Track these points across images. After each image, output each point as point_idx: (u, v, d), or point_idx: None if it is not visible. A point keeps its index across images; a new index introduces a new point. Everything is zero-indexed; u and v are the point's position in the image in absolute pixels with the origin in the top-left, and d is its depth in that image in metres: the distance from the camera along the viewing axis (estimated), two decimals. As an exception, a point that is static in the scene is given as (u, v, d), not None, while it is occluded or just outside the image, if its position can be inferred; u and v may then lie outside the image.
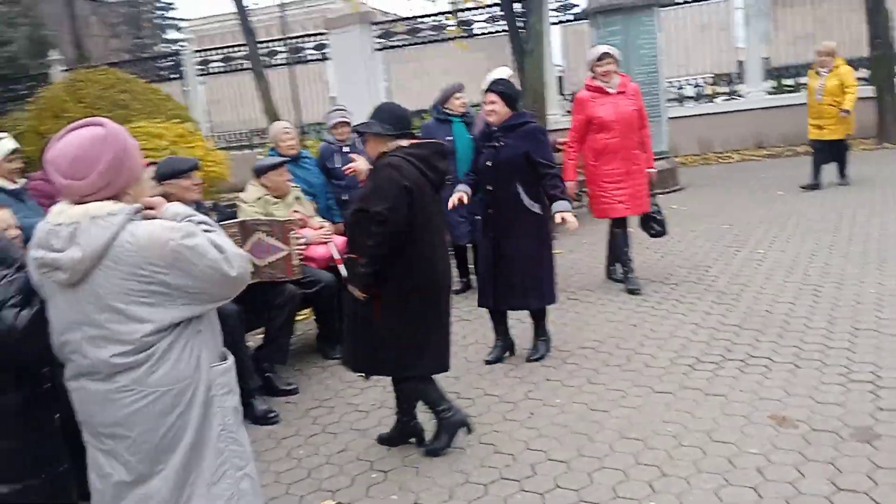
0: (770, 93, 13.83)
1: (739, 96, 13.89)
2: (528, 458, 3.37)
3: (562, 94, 15.10)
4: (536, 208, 4.35)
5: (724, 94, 14.14)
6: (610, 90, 5.56)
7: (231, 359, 2.22)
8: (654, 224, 5.95)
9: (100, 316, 1.98)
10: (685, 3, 13.68)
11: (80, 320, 2.00)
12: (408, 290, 3.31)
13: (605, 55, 5.58)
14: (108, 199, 2.00)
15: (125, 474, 2.07)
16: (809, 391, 3.69)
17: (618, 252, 5.94)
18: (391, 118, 3.40)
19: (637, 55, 10.18)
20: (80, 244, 1.93)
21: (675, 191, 10.39)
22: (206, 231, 2.08)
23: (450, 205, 4.31)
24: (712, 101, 14.06)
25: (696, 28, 14.16)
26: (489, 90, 4.39)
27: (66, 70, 16.56)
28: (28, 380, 2.25)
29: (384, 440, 3.70)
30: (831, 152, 9.09)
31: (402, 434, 3.67)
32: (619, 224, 5.83)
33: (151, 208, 2.09)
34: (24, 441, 2.21)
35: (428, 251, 3.35)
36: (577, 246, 7.52)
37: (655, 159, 10.28)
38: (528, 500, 3.03)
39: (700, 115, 13.87)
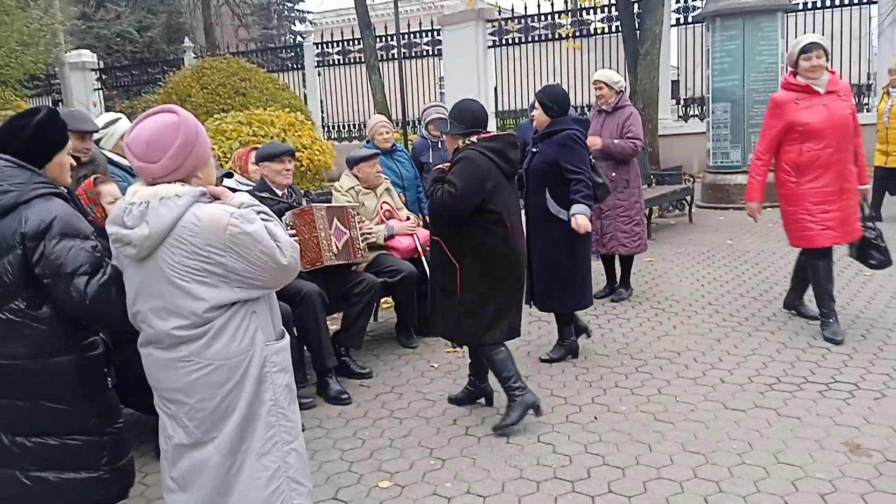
0: (903, 106, 12.94)
1: (869, 109, 13.08)
2: (584, 460, 3.37)
3: (675, 99, 14.71)
4: (563, 215, 4.33)
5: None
6: (819, 89, 4.53)
7: (286, 338, 2.37)
8: (874, 251, 4.82)
9: (164, 290, 2.17)
10: (815, 8, 12.99)
11: (147, 292, 2.21)
12: (485, 267, 3.63)
13: (814, 45, 4.51)
14: (178, 181, 2.19)
15: (184, 437, 2.27)
16: (891, 421, 3.50)
17: (819, 291, 4.75)
18: (463, 116, 3.68)
19: (755, 61, 9.79)
20: (148, 222, 2.11)
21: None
22: (264, 220, 2.23)
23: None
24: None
25: (826, 35, 13.42)
26: (535, 95, 4.52)
27: (196, 57, 17.59)
28: (78, 345, 2.44)
29: (453, 400, 4.11)
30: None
31: (472, 396, 4.07)
32: (821, 255, 4.70)
33: (218, 198, 2.25)
34: (75, 400, 2.41)
35: (502, 231, 3.63)
36: (671, 255, 7.36)
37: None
38: (578, 502, 3.05)
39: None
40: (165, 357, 2.23)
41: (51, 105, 18.97)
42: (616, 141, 5.59)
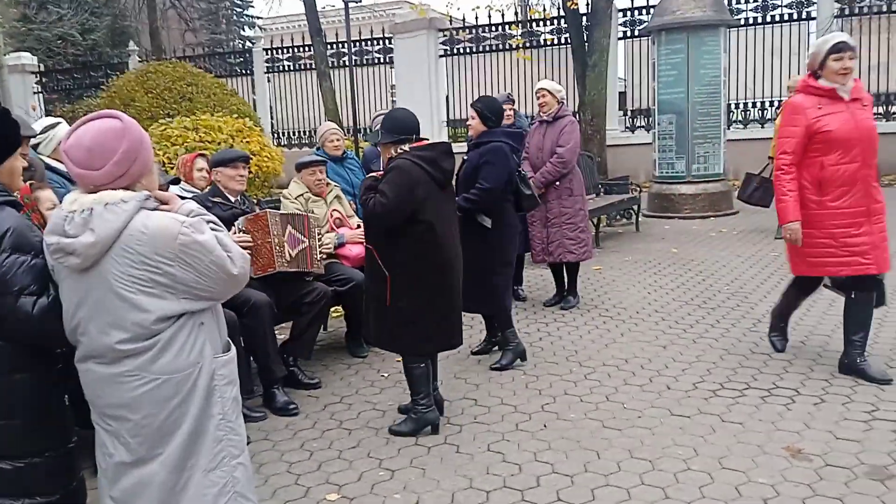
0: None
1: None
2: (534, 469, 3.38)
3: (622, 110, 14.98)
4: (487, 222, 4.50)
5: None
6: (843, 95, 4.00)
7: (233, 350, 2.31)
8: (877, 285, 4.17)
9: (107, 302, 2.07)
10: (756, 24, 13.40)
11: (89, 305, 2.10)
12: (416, 276, 3.62)
13: (846, 45, 3.99)
14: (121, 189, 2.11)
15: (126, 455, 2.17)
16: (830, 426, 3.60)
17: (854, 327, 4.19)
18: (393, 125, 3.71)
19: (698, 75, 10.04)
20: (93, 229, 2.02)
21: (728, 214, 10.21)
22: (213, 230, 2.18)
23: None
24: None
25: (767, 50, 13.83)
26: (472, 105, 4.64)
27: (142, 61, 17.22)
28: (41, 361, 2.32)
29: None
30: None
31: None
32: (861, 284, 4.10)
33: (166, 203, 2.16)
34: (32, 420, 2.28)
35: (433, 240, 3.63)
36: (619, 263, 7.47)
37: (709, 181, 10.29)
38: (527, 511, 3.05)
39: (764, 138, 13.53)
40: (108, 372, 2.14)
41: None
42: (542, 170, 5.72)
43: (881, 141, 4.17)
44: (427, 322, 3.69)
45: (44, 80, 19.30)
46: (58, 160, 4.13)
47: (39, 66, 19.45)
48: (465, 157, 4.64)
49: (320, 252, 4.62)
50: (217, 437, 2.22)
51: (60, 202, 3.27)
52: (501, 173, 4.48)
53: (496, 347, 4.91)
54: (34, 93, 19.06)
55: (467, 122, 4.64)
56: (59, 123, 4.32)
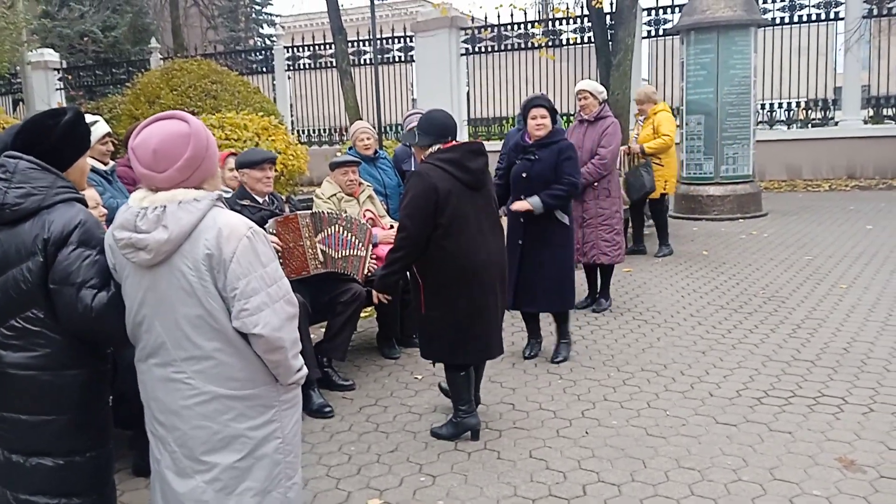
0: (867, 122, 13.26)
1: (834, 123, 13.36)
2: (579, 477, 3.30)
3: (645, 110, 14.82)
4: (565, 220, 4.61)
5: (817, 120, 13.60)
6: None
7: (302, 371, 2.25)
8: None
9: (174, 299, 2.05)
10: (785, 24, 13.22)
11: (154, 302, 2.08)
12: (445, 283, 3.55)
13: None
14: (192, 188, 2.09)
15: (170, 463, 2.14)
16: (881, 436, 3.50)
17: None
18: (430, 128, 3.63)
19: (728, 75, 9.90)
20: (166, 226, 2.00)
21: (757, 216, 10.06)
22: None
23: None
24: (805, 127, 13.54)
25: (794, 50, 13.66)
26: (538, 105, 4.61)
27: (164, 58, 17.27)
28: (92, 358, 2.31)
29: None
30: None
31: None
32: None
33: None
34: (78, 417, 2.27)
35: (463, 244, 3.52)
36: (649, 265, 7.37)
37: (738, 182, 10.15)
38: (575, 521, 2.98)
39: (791, 139, 13.41)
40: (165, 374, 2.10)
41: (12, 104, 18.48)
42: (583, 170, 5.59)
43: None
44: (460, 331, 3.59)
45: (66, 76, 19.40)
46: (96, 158, 4.10)
47: (62, 63, 19.56)
48: (532, 157, 4.59)
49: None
50: (276, 460, 2.18)
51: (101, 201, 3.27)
52: (579, 169, 4.68)
53: (532, 351, 4.90)
54: (56, 89, 19.16)
55: (538, 122, 4.56)
56: (97, 122, 4.28)
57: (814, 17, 13.09)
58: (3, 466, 2.27)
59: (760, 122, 13.18)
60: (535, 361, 4.79)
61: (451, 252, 3.50)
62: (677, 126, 8.69)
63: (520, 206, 4.53)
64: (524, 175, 4.59)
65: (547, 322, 5.03)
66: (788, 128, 13.63)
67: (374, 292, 3.70)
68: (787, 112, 13.74)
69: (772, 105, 13.72)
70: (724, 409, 3.94)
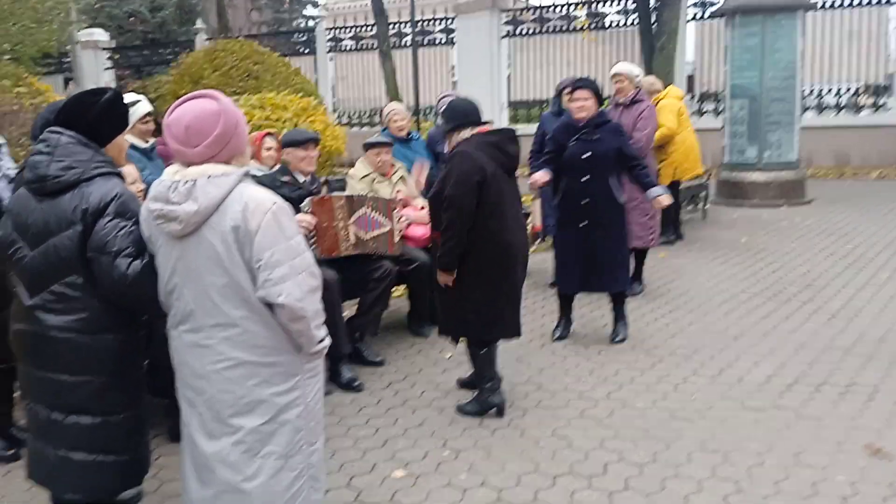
0: (921, 108, 12.86)
1: (886, 110, 12.97)
2: (600, 456, 3.33)
3: (690, 94, 14.57)
4: (623, 199, 4.66)
5: (868, 106, 13.21)
6: None
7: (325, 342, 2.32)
8: None
9: (202, 268, 2.15)
10: (833, 7, 12.85)
11: (183, 270, 2.18)
12: (483, 263, 3.61)
13: None
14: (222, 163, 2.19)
15: (198, 426, 2.24)
16: (913, 426, 3.46)
17: None
18: (452, 114, 3.76)
19: (773, 59, 9.69)
20: (196, 199, 2.10)
21: (801, 203, 9.85)
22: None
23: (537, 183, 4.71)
24: (855, 113, 13.18)
25: (845, 35, 13.27)
26: (581, 87, 4.60)
27: (209, 39, 17.50)
28: (127, 324, 2.44)
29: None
30: None
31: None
32: None
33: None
34: (113, 379, 2.40)
35: (500, 226, 3.62)
36: (685, 251, 7.30)
37: (782, 169, 9.94)
38: (594, 498, 3.01)
39: (840, 126, 13.05)
40: (194, 340, 2.21)
41: (63, 83, 18.94)
42: None
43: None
44: (494, 309, 3.67)
45: (115, 56, 19.79)
46: (137, 137, 4.23)
47: (111, 43, 19.94)
48: (592, 138, 4.54)
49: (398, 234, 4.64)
50: (298, 426, 2.26)
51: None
52: None
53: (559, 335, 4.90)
54: (105, 69, 19.57)
55: (579, 104, 4.54)
56: (138, 101, 4.40)
57: (865, 2, 12.69)
58: (44, 424, 2.40)
59: (809, 107, 12.85)
60: (563, 343, 4.80)
61: (494, 232, 3.60)
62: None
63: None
64: (587, 156, 4.53)
65: (579, 304, 5.04)
66: (838, 114, 13.26)
67: (439, 275, 3.68)
68: (836, 97, 13.36)
69: (821, 90, 13.37)
70: (752, 394, 3.92)
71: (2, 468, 3.38)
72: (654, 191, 4.66)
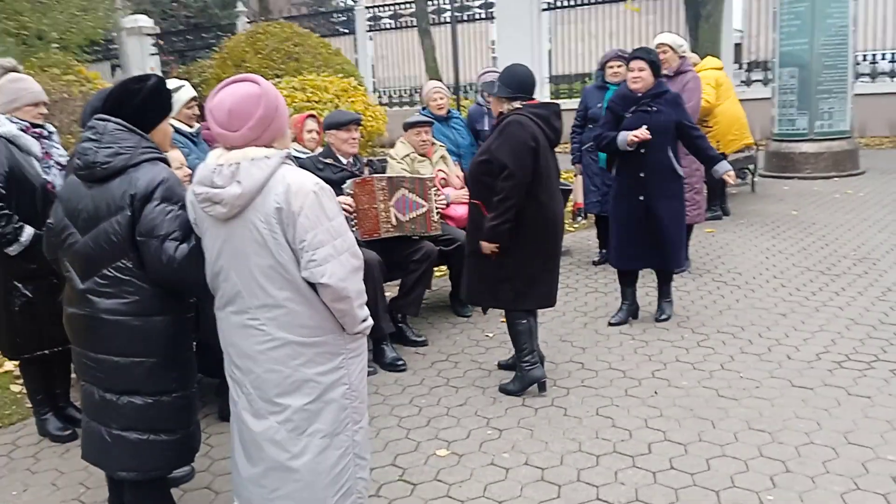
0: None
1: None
2: (645, 435, 3.31)
3: (738, 63, 14.17)
4: (681, 172, 4.58)
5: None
6: None
7: (367, 322, 2.35)
8: None
9: (248, 249, 2.19)
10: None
11: (230, 252, 2.23)
12: (530, 234, 3.63)
13: None
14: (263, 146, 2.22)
15: (246, 405, 2.30)
16: (970, 405, 3.36)
17: None
18: (513, 81, 3.71)
19: (824, 25, 9.36)
20: (240, 182, 2.14)
21: (854, 175, 9.56)
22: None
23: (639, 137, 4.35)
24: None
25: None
26: (637, 57, 4.49)
27: (250, 21, 17.63)
28: (177, 306, 2.50)
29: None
30: None
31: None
32: None
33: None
34: (165, 360, 2.46)
35: (545, 198, 3.64)
36: (733, 226, 7.15)
37: (834, 139, 9.66)
38: (639, 477, 3.00)
39: (894, 93, 12.57)
40: (240, 321, 2.26)
41: (111, 70, 19.31)
42: None
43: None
44: (529, 277, 3.70)
45: (159, 42, 20.09)
46: (182, 122, 4.29)
47: (155, 29, 20.24)
48: (650, 109, 4.42)
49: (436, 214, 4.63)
50: (342, 405, 2.30)
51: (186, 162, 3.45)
52: None
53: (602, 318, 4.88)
54: (151, 55, 19.88)
55: (635, 75, 4.43)
56: (182, 87, 4.46)
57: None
58: (97, 404, 2.48)
59: (861, 74, 12.40)
60: (605, 323, 4.76)
61: (543, 202, 3.64)
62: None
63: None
64: (647, 128, 4.36)
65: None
66: (892, 80, 12.78)
67: (483, 244, 3.63)
68: (891, 63, 12.86)
69: (874, 56, 12.87)
70: (801, 372, 3.84)
71: (60, 448, 3.52)
72: (721, 166, 4.51)
